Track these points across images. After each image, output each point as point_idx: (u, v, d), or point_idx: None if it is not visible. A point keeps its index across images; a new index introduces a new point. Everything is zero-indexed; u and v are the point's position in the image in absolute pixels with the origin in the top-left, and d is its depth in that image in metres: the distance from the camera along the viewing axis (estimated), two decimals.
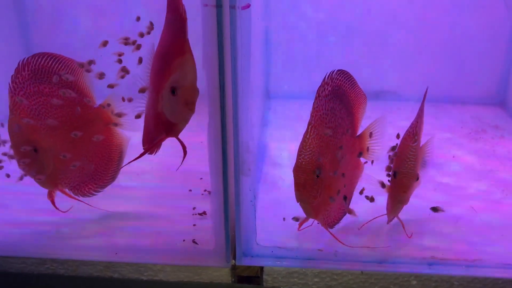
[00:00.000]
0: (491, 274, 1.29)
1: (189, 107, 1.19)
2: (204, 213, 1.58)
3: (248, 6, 1.04)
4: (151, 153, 1.40)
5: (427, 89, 1.38)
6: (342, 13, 2.38)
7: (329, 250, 1.34)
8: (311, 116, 1.26)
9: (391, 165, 1.41)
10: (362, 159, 1.43)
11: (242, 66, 1.10)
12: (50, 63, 1.39)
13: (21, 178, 1.44)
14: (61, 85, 1.39)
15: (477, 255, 1.32)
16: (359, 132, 1.41)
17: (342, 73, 1.33)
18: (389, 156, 1.42)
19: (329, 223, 1.38)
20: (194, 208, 1.58)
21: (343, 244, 1.34)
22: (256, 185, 1.55)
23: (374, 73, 2.40)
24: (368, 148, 1.41)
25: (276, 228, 1.43)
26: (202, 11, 1.08)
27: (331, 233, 1.35)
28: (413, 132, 1.38)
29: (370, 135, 1.40)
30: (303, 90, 2.32)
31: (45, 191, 1.50)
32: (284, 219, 1.44)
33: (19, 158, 1.38)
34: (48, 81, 1.38)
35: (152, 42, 1.29)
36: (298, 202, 1.30)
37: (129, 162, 1.44)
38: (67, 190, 1.50)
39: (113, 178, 1.57)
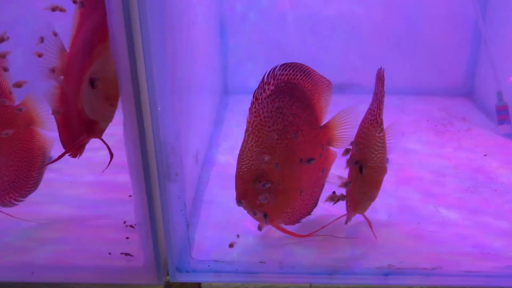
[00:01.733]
0: (452, 283, 1.16)
1: (110, 102, 1.02)
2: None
3: None
4: (73, 156, 1.24)
5: (382, 70, 1.23)
6: (305, 2, 2.24)
7: (273, 262, 1.19)
8: (248, 122, 1.17)
9: (354, 159, 1.27)
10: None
11: (157, 54, 0.93)
12: None
13: None
14: None
15: (436, 263, 1.19)
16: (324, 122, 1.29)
17: (289, 66, 1.21)
18: (348, 149, 1.29)
19: (289, 223, 1.28)
20: (124, 222, 1.39)
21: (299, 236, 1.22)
22: (191, 191, 1.39)
23: (337, 65, 2.27)
24: (336, 137, 1.29)
25: (213, 240, 1.27)
26: None
27: (288, 232, 1.24)
28: (376, 120, 1.24)
29: (338, 124, 1.28)
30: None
31: None
32: (238, 236, 1.29)
33: None
34: None
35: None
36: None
37: (46, 164, 1.27)
38: None
39: (35, 185, 1.38)
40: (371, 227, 1.28)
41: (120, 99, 1.01)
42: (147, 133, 1.02)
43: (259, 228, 1.24)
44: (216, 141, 1.88)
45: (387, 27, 2.26)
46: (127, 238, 1.34)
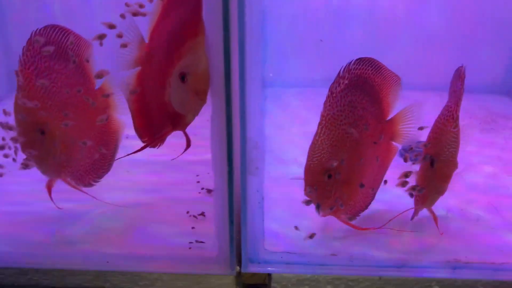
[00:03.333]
0: None
1: (201, 97, 1.04)
2: (203, 214, 1.44)
3: None
4: (153, 147, 1.26)
5: (462, 68, 1.26)
6: None
7: (344, 255, 1.22)
8: (322, 116, 1.19)
9: (426, 153, 1.29)
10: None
11: (251, 52, 0.96)
12: (60, 37, 1.23)
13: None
14: (69, 63, 1.23)
15: (505, 259, 1.22)
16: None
17: (362, 61, 1.23)
18: (419, 143, 1.32)
19: (349, 216, 1.30)
20: (187, 212, 1.43)
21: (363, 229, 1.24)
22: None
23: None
24: (400, 132, 1.31)
25: (285, 232, 1.30)
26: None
27: (351, 225, 1.27)
28: (453, 116, 1.27)
29: (403, 119, 1.30)
30: (302, 77, 2.21)
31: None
32: (296, 227, 1.32)
33: (25, 140, 1.21)
34: (57, 57, 1.22)
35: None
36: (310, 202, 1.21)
37: (128, 155, 1.29)
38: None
39: (109, 166, 1.41)
40: (436, 221, 1.31)
41: (210, 93, 1.05)
42: (234, 128, 1.05)
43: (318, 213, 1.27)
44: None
45: (426, 23, 2.28)
46: (192, 228, 1.38)
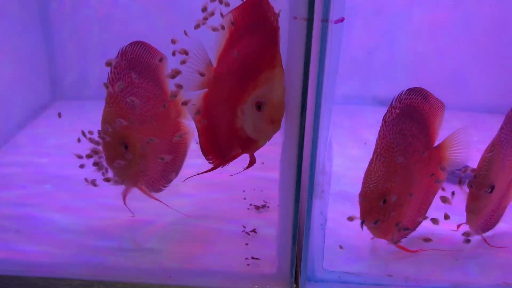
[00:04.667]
0: None
1: (276, 125, 1.11)
2: (254, 231, 1.50)
3: (342, 19, 0.96)
4: (220, 166, 1.32)
5: None
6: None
7: (399, 276, 1.28)
8: (377, 144, 1.26)
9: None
10: None
11: (328, 85, 1.02)
12: (143, 52, 1.31)
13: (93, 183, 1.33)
14: (149, 77, 1.31)
15: None
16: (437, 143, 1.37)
17: (413, 91, 1.31)
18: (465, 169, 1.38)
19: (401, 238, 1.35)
20: (244, 228, 1.50)
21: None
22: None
23: (407, 78, 2.36)
24: (448, 158, 1.36)
25: (342, 251, 1.36)
26: (290, 24, 1.00)
27: (403, 248, 1.31)
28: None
29: (451, 145, 1.35)
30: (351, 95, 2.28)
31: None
32: (340, 247, 1.38)
33: (110, 154, 1.28)
34: (140, 72, 1.30)
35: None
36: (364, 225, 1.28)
37: (198, 174, 1.35)
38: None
39: (178, 172, 1.48)
40: (488, 244, 1.37)
41: (284, 121, 1.11)
42: (304, 153, 1.11)
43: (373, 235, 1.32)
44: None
45: (458, 42, 2.32)
46: (246, 244, 1.44)
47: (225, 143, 1.25)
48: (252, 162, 1.25)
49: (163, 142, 1.41)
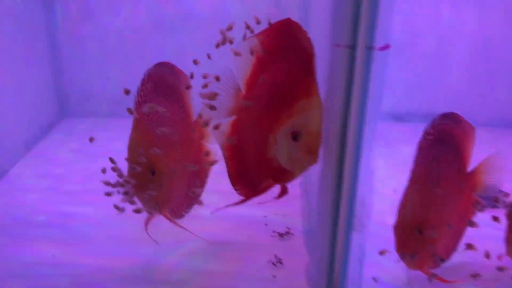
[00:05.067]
0: None
1: (313, 155, 1.05)
2: (280, 261, 1.43)
3: (388, 46, 0.91)
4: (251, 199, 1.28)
5: None
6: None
7: None
8: (412, 171, 1.23)
9: None
10: None
11: (371, 115, 0.97)
12: (168, 74, 1.27)
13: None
14: (174, 99, 1.26)
15: None
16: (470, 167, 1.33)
17: (446, 116, 1.30)
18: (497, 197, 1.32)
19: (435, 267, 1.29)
20: (276, 257, 1.43)
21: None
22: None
23: (429, 95, 2.31)
24: (483, 183, 1.31)
25: (376, 285, 1.30)
26: (332, 51, 0.94)
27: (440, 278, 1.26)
28: None
29: (485, 170, 1.31)
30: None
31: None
32: (374, 279, 1.31)
33: (138, 181, 1.19)
34: (164, 95, 1.25)
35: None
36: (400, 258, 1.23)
37: (227, 206, 1.28)
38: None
39: (199, 196, 1.42)
40: None
41: (323, 151, 1.05)
42: (344, 185, 1.05)
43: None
44: None
45: (479, 56, 2.29)
46: (273, 277, 1.37)
47: (255, 173, 1.20)
48: (284, 192, 1.19)
49: (187, 168, 1.35)
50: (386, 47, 0.91)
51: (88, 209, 1.68)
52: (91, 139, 1.23)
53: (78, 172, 1.97)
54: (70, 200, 1.76)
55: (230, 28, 1.17)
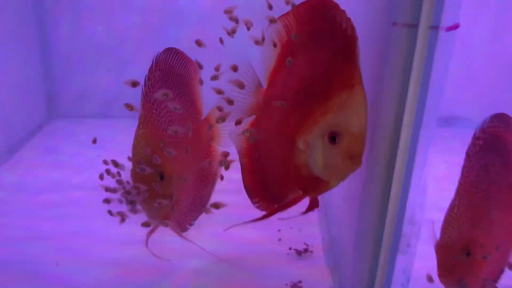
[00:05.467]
0: None
1: (355, 160, 0.86)
2: (300, 284, 1.24)
3: (457, 26, 0.73)
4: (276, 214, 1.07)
5: None
6: None
7: None
8: (460, 183, 1.04)
9: None
10: None
11: (430, 113, 0.79)
12: (177, 63, 1.06)
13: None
14: (183, 92, 1.06)
15: None
16: None
17: (495, 118, 1.10)
18: None
19: None
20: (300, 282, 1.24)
21: None
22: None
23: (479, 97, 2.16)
24: None
25: None
26: (384, 32, 0.76)
27: None
28: None
29: None
30: None
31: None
32: None
33: (147, 187, 0.98)
34: (173, 86, 1.04)
35: None
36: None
37: (245, 223, 1.06)
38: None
39: (205, 206, 1.20)
40: None
41: (367, 155, 0.86)
42: (391, 197, 0.87)
43: None
44: None
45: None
46: None
47: (279, 184, 1.01)
48: (314, 205, 1.00)
49: (192, 170, 1.15)
50: (455, 26, 0.73)
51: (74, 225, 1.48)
52: (94, 140, 1.03)
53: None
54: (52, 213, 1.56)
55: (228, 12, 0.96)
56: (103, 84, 2.21)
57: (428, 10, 0.72)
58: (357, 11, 0.86)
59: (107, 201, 0.99)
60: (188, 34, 2.08)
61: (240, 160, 1.08)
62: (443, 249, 1.04)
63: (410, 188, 0.84)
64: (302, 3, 0.96)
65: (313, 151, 0.89)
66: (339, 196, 1.26)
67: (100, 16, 2.14)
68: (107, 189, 0.98)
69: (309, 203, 1.01)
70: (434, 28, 0.73)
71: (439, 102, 0.79)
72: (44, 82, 2.25)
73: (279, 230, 1.46)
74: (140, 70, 1.02)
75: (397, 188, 0.85)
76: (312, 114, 0.89)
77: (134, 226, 1.05)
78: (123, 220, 1.01)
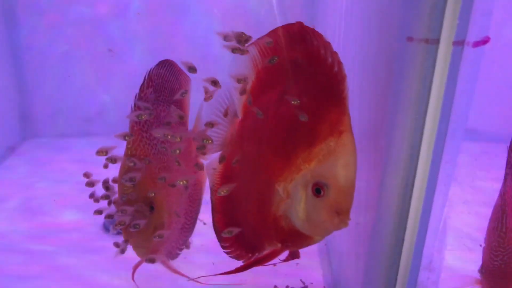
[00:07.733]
0: None
1: (342, 218, 0.73)
2: None
3: (487, 41, 0.61)
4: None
5: None
6: None
7: None
8: (500, 194, 0.96)
9: None
10: None
11: (453, 145, 0.66)
12: (170, 78, 0.96)
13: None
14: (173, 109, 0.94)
15: None
16: None
17: None
18: None
19: None
20: None
21: None
22: None
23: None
24: None
25: None
26: (400, 48, 0.64)
27: None
28: None
29: None
30: None
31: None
32: None
33: (135, 220, 0.87)
34: (164, 102, 0.94)
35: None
36: None
37: (225, 273, 0.91)
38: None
39: (192, 231, 1.09)
40: None
41: (377, 190, 0.74)
42: (405, 240, 0.74)
43: None
44: None
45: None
46: None
47: (254, 232, 0.87)
48: (294, 256, 0.87)
49: (183, 193, 1.02)
50: (483, 41, 0.61)
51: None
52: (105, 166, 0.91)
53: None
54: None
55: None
56: (81, 101, 2.13)
57: (451, 22, 0.60)
58: (371, 24, 0.74)
59: (99, 212, 0.90)
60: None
61: (210, 198, 0.94)
62: (492, 275, 0.95)
63: (427, 231, 0.72)
64: (276, 29, 0.80)
65: (295, 202, 0.76)
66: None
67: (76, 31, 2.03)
68: (98, 212, 0.89)
69: (289, 253, 0.88)
70: (459, 43, 0.61)
71: (462, 133, 0.66)
72: (19, 102, 2.13)
73: (274, 265, 1.33)
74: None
75: (411, 229, 0.72)
76: (293, 160, 0.76)
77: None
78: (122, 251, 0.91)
